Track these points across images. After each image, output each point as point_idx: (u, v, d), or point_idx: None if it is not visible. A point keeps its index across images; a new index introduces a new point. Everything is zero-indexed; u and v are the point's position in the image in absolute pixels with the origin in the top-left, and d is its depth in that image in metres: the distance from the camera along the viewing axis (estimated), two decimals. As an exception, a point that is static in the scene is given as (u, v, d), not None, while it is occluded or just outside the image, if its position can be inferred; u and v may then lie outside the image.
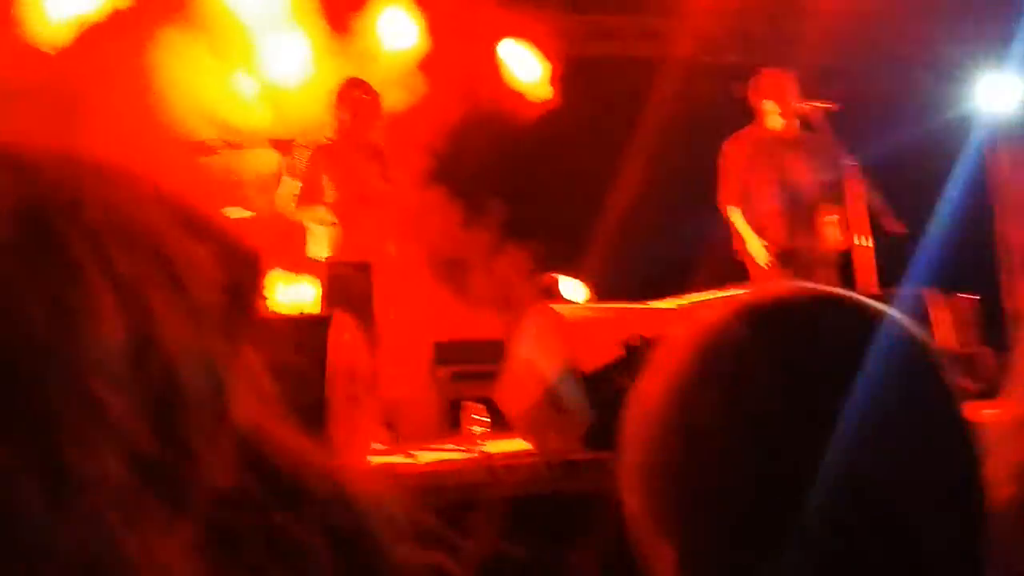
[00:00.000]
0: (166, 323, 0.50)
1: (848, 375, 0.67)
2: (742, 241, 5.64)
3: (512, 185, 7.45)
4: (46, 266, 0.48)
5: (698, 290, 6.36)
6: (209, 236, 0.56)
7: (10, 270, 0.47)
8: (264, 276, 0.59)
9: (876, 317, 0.72)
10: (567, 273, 7.44)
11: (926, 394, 0.71)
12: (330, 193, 5.15)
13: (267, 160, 6.04)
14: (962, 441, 0.71)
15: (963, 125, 8.24)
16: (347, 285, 5.07)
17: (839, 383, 0.66)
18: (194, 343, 0.51)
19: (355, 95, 5.22)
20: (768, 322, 0.72)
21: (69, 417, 0.45)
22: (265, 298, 0.58)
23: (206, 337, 0.52)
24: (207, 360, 0.51)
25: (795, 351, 0.70)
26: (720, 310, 0.74)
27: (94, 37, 6.18)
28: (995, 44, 8.34)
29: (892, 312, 0.73)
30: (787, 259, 5.56)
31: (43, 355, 0.46)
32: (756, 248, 5.53)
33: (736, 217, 5.62)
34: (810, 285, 0.78)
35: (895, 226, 5.15)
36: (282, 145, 5.70)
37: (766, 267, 5.48)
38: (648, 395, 0.74)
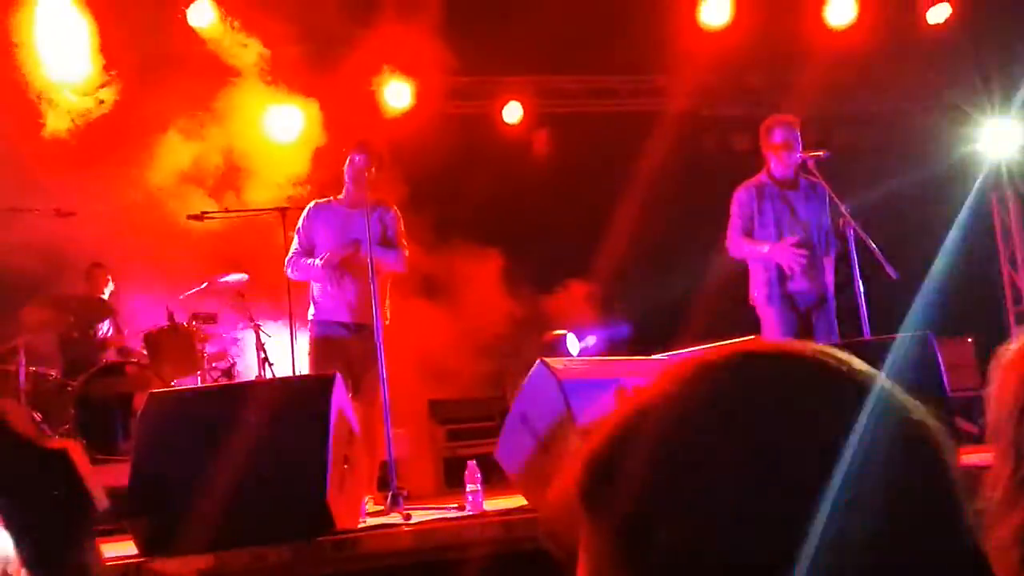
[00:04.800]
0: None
1: (821, 443, 0.61)
2: (760, 286, 5.60)
3: (512, 240, 7.49)
4: None
5: (707, 340, 6.32)
6: None
7: None
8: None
9: (851, 378, 0.65)
10: (571, 324, 7.44)
11: (913, 465, 0.63)
12: (327, 252, 5.14)
13: (273, 224, 6.11)
14: (955, 514, 0.64)
15: (966, 169, 8.23)
16: (342, 345, 5.08)
17: (809, 451, 0.60)
18: None
19: (355, 156, 5.21)
20: (722, 379, 0.65)
21: None
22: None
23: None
24: None
25: (752, 414, 0.63)
26: (679, 368, 0.67)
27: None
28: (998, 88, 8.36)
29: (869, 373, 0.66)
30: (790, 302, 5.54)
31: None
32: (783, 252, 5.47)
33: (748, 247, 5.59)
34: (779, 342, 0.70)
35: (890, 272, 5.13)
36: (288, 210, 5.77)
37: (799, 266, 5.42)
38: (596, 444, 0.68)
